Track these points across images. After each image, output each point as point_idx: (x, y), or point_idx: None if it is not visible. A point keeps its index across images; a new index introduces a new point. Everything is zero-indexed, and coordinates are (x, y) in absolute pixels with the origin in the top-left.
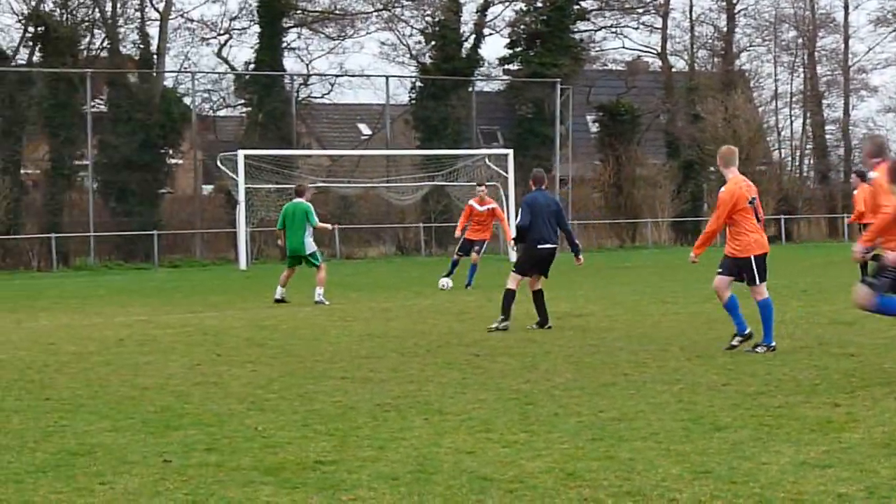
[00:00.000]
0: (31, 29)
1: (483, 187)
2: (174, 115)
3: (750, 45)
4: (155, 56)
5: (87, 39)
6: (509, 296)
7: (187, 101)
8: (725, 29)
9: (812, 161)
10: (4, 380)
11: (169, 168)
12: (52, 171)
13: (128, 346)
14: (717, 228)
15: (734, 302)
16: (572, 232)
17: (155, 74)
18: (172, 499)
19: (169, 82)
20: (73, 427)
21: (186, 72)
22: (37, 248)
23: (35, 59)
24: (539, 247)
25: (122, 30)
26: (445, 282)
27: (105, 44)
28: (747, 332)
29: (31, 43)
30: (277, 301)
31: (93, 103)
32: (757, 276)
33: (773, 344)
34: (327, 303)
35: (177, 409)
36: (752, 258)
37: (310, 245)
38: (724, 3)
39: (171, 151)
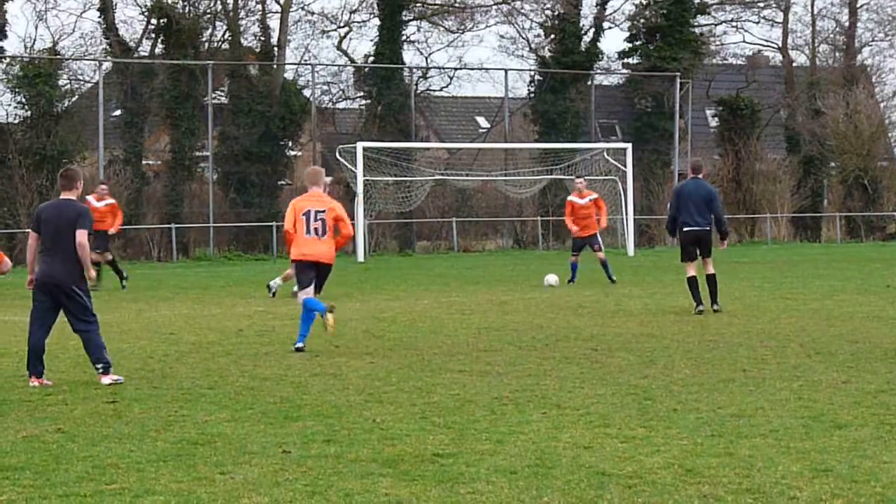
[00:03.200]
0: (153, 21)
1: (581, 180)
2: (294, 107)
3: (872, 40)
4: (275, 48)
5: (209, 31)
6: (692, 282)
7: (307, 93)
8: (847, 23)
9: None
10: (125, 369)
11: (288, 160)
12: (172, 162)
13: (247, 337)
14: None
15: None
16: (721, 217)
17: (275, 66)
18: (292, 489)
19: (289, 74)
20: (193, 417)
21: (306, 64)
22: (157, 238)
23: (157, 50)
24: (685, 229)
25: (243, 22)
26: (551, 279)
27: (226, 36)
28: None
29: (153, 35)
30: None
31: (214, 95)
32: None
33: None
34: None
35: (296, 400)
36: None
37: None
38: None
39: (290, 143)
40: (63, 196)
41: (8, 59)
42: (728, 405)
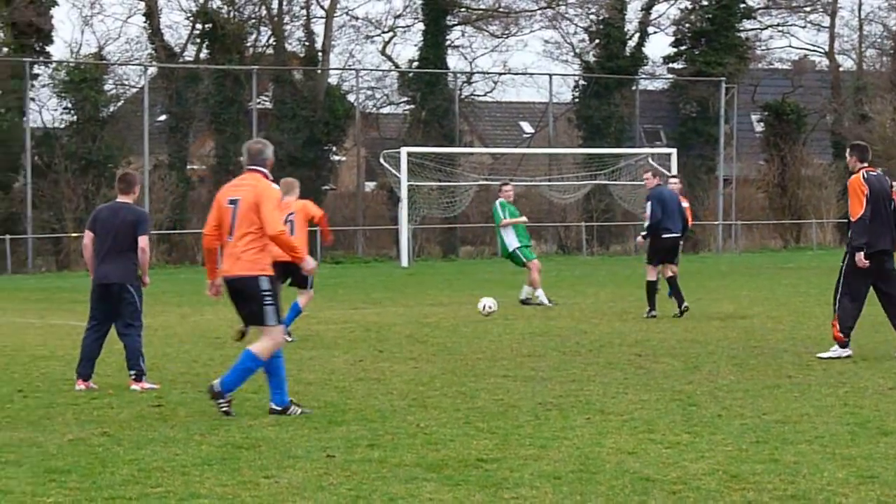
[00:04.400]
0: (198, 26)
1: (676, 180)
2: (338, 112)
3: None
4: (320, 53)
5: (254, 37)
6: (652, 286)
7: (351, 98)
8: (895, 27)
9: None
10: (171, 373)
11: (332, 165)
12: (217, 167)
13: (291, 342)
14: None
15: None
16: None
17: (320, 72)
18: (336, 493)
19: (333, 79)
20: (237, 421)
21: (351, 69)
22: (199, 243)
23: (202, 55)
24: (664, 236)
25: (287, 27)
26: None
27: (271, 41)
28: None
29: (198, 40)
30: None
31: (258, 100)
32: None
33: None
34: (537, 302)
35: (340, 404)
36: None
37: (510, 243)
38: (895, 2)
39: (334, 148)
40: (120, 199)
41: (54, 65)
42: (773, 411)
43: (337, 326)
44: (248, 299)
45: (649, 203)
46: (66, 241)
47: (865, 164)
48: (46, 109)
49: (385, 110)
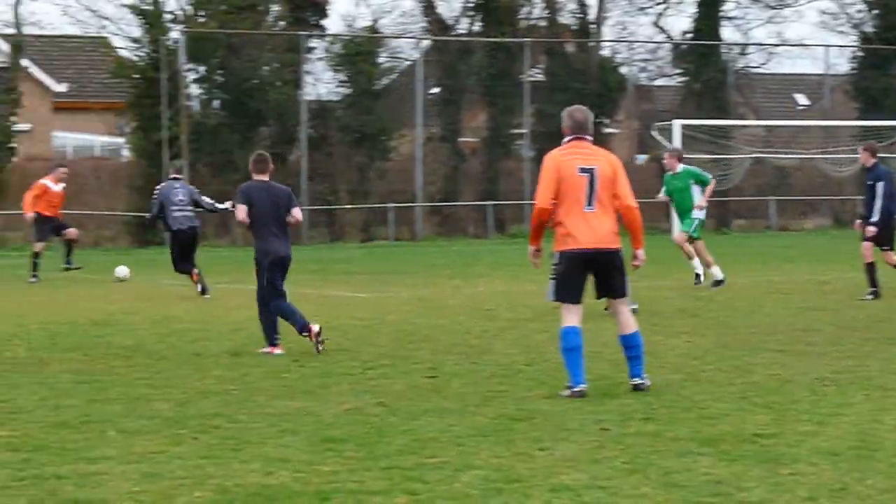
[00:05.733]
0: None
1: None
2: (611, 85)
3: None
4: (592, 25)
5: (527, 9)
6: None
7: (624, 70)
8: None
9: None
10: (444, 344)
11: (604, 137)
12: (489, 140)
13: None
14: None
15: None
16: None
17: (592, 44)
18: (610, 467)
19: (606, 51)
20: (512, 393)
21: (623, 41)
22: (473, 215)
23: (475, 28)
24: None
25: None
26: (121, 271)
27: (544, 13)
28: None
29: (471, 13)
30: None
31: (531, 72)
32: None
33: None
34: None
35: (613, 377)
36: None
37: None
38: None
39: (606, 121)
40: (258, 178)
41: (329, 38)
42: None
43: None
44: (615, 271)
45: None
46: (339, 213)
47: None
48: (321, 82)
49: (658, 82)
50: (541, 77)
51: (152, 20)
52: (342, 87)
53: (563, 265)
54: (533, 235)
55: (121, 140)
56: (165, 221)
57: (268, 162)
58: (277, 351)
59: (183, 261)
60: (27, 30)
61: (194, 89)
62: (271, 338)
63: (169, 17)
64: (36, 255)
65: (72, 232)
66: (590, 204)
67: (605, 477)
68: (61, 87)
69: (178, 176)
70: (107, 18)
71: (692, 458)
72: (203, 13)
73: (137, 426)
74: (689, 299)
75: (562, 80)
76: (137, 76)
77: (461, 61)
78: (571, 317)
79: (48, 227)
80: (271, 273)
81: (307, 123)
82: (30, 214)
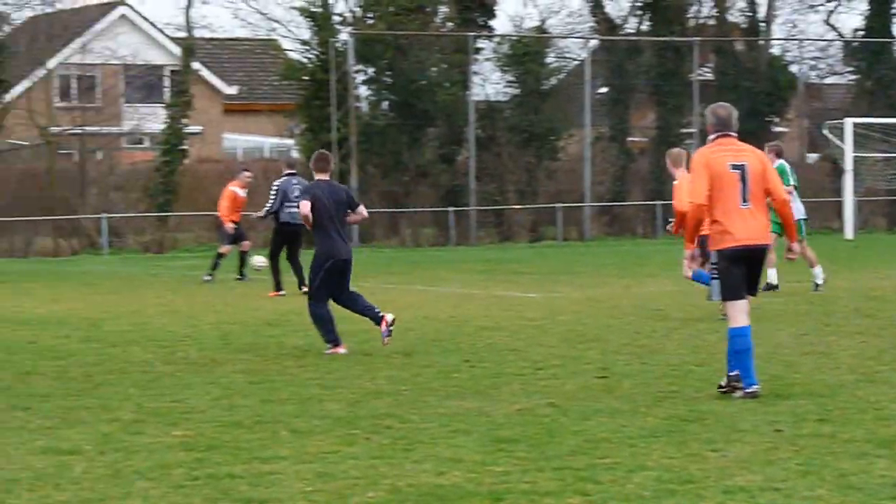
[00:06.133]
0: None
1: None
2: (780, 83)
3: None
4: (762, 23)
5: (695, 8)
6: None
7: (794, 68)
8: None
9: None
10: (615, 344)
11: (774, 136)
12: (658, 139)
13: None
14: None
15: None
16: None
17: (762, 42)
18: (785, 468)
19: (775, 50)
20: (682, 393)
21: (793, 39)
22: (641, 215)
23: (643, 27)
24: None
25: None
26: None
27: (713, 12)
28: None
29: (640, 12)
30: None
31: (700, 71)
32: None
33: None
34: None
35: (786, 378)
36: None
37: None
38: None
39: (776, 119)
40: (320, 177)
41: (497, 39)
42: None
43: (784, 299)
44: (760, 268)
45: None
46: (507, 214)
47: None
48: (489, 83)
49: (829, 80)
50: (710, 76)
51: (321, 22)
52: (510, 87)
53: (723, 263)
54: (689, 236)
55: (290, 142)
56: (277, 215)
57: (328, 161)
58: (342, 350)
59: (291, 258)
60: (198, 33)
61: (363, 91)
62: (330, 337)
63: (338, 19)
64: (220, 255)
65: (246, 245)
66: (745, 200)
67: (779, 479)
68: (231, 90)
69: (293, 171)
70: (276, 21)
71: (868, 459)
72: (371, 15)
73: (310, 426)
74: (863, 299)
75: (731, 78)
76: (307, 78)
77: (629, 60)
78: (741, 316)
79: (236, 233)
80: (328, 276)
81: (475, 124)
82: (230, 225)
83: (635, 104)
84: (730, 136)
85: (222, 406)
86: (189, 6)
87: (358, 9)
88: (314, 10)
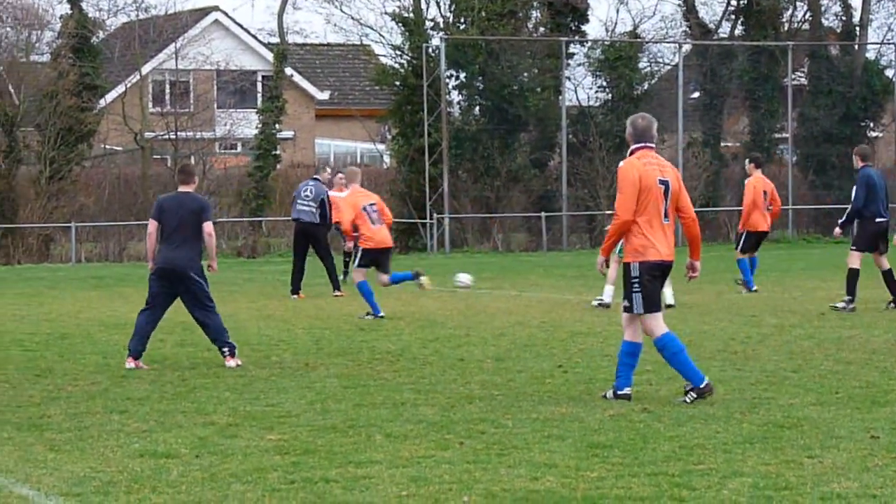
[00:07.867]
0: (733, 2)
1: None
2: (876, 88)
3: None
4: (857, 28)
5: (790, 12)
6: (856, 275)
7: (889, 72)
8: None
9: None
10: (709, 349)
11: (869, 141)
12: (751, 144)
13: (829, 320)
14: None
15: None
16: None
17: (857, 46)
18: (882, 475)
19: (871, 54)
20: (777, 400)
21: (889, 43)
22: (735, 220)
23: (737, 32)
24: (876, 220)
25: (824, 2)
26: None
27: (807, 16)
28: None
29: (733, 16)
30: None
31: (793, 76)
32: None
33: None
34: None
35: (882, 385)
36: None
37: None
38: None
39: (871, 124)
40: (182, 189)
41: (590, 43)
42: None
43: (872, 306)
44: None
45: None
46: (599, 219)
47: None
48: (581, 88)
49: None
50: (803, 80)
51: (414, 28)
52: (602, 92)
53: (646, 276)
54: (608, 246)
55: (382, 146)
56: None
57: (190, 174)
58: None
59: (322, 260)
60: (291, 39)
61: (455, 96)
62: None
63: (430, 24)
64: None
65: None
66: (666, 216)
67: (876, 486)
68: (324, 95)
69: (317, 177)
70: (369, 26)
71: None
72: (463, 20)
73: (404, 431)
74: None
75: (825, 83)
76: (399, 83)
77: (722, 65)
78: (662, 325)
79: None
80: (151, 285)
81: (567, 129)
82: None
83: (728, 109)
84: (650, 147)
85: (316, 410)
86: (282, 12)
87: (450, 14)
88: (406, 15)
